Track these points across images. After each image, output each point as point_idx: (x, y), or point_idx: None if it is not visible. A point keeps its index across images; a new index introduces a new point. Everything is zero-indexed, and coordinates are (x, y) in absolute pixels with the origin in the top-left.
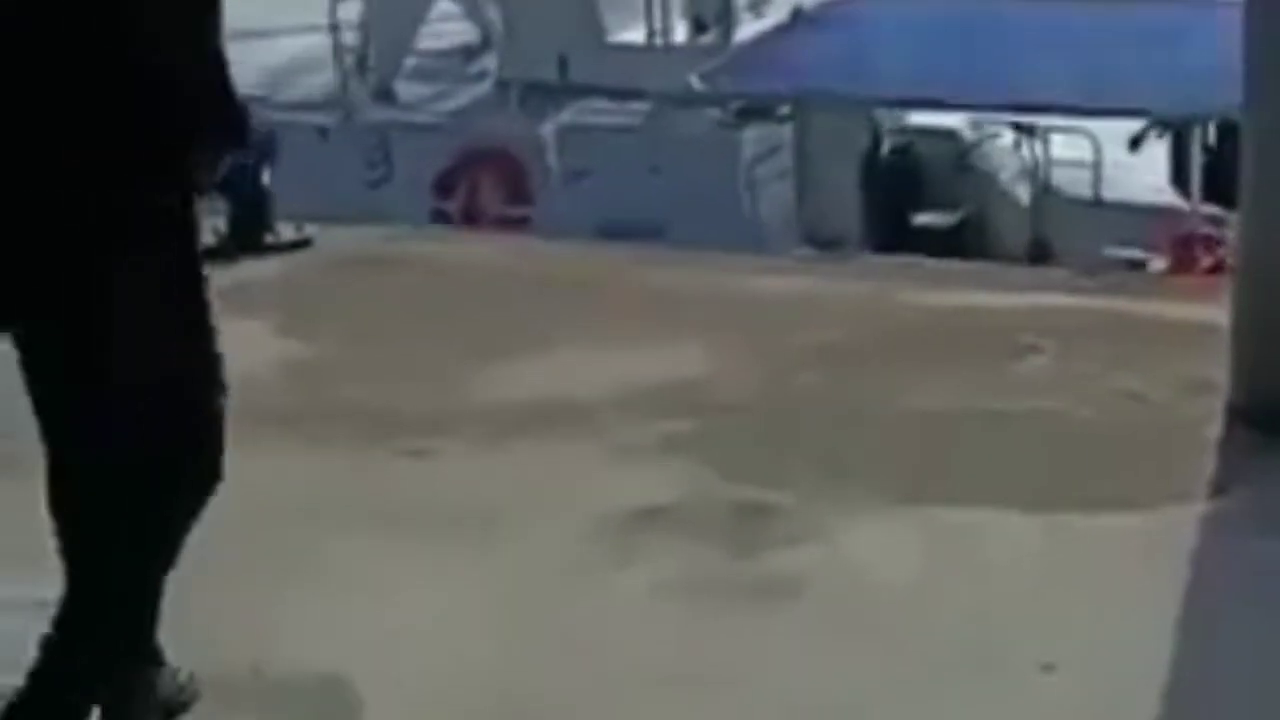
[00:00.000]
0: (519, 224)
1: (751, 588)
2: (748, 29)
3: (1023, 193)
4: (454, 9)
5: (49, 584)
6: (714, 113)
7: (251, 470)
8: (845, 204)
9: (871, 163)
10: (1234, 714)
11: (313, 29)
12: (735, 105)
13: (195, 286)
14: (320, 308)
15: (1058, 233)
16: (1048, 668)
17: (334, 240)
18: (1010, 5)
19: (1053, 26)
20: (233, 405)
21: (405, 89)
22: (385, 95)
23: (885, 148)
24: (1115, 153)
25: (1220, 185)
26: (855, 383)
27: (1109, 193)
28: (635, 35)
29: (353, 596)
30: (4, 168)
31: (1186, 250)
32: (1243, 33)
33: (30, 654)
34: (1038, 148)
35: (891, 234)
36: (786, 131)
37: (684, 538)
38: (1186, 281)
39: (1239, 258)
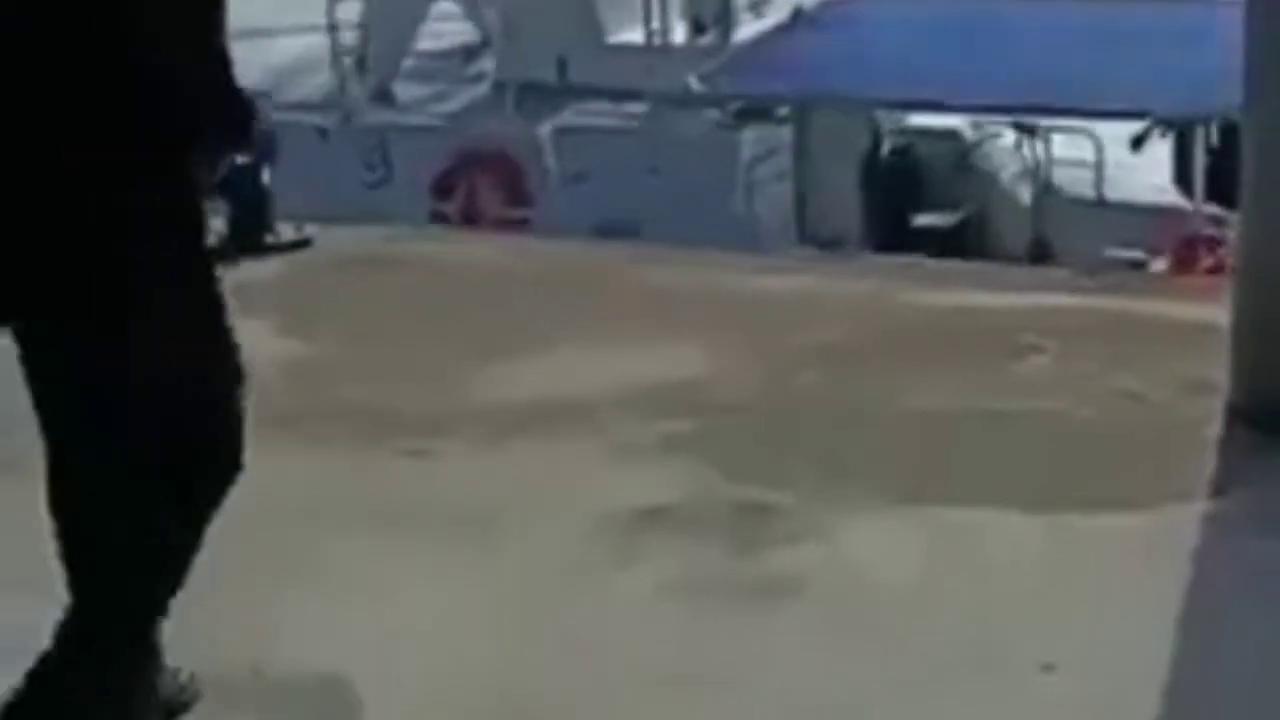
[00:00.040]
0: (517, 226)
1: (752, 587)
2: (747, 29)
3: (1024, 193)
4: (453, 9)
5: (49, 584)
6: (712, 114)
7: (251, 470)
8: (845, 205)
9: (872, 163)
10: (1234, 714)
11: (313, 29)
12: (734, 106)
13: (206, 281)
14: (320, 308)
15: (1059, 233)
16: (1048, 668)
17: (334, 240)
18: (1011, 5)
19: (1054, 27)
20: None
21: (403, 90)
22: (384, 96)
23: (885, 148)
24: (1117, 153)
25: (1222, 186)
26: (855, 382)
27: (1111, 193)
28: (634, 36)
29: (353, 596)
30: (4, 168)
31: (1189, 251)
32: (1243, 33)
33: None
34: (1039, 147)
35: (892, 235)
36: (785, 133)
37: (684, 538)
38: (1187, 281)
39: (1239, 258)
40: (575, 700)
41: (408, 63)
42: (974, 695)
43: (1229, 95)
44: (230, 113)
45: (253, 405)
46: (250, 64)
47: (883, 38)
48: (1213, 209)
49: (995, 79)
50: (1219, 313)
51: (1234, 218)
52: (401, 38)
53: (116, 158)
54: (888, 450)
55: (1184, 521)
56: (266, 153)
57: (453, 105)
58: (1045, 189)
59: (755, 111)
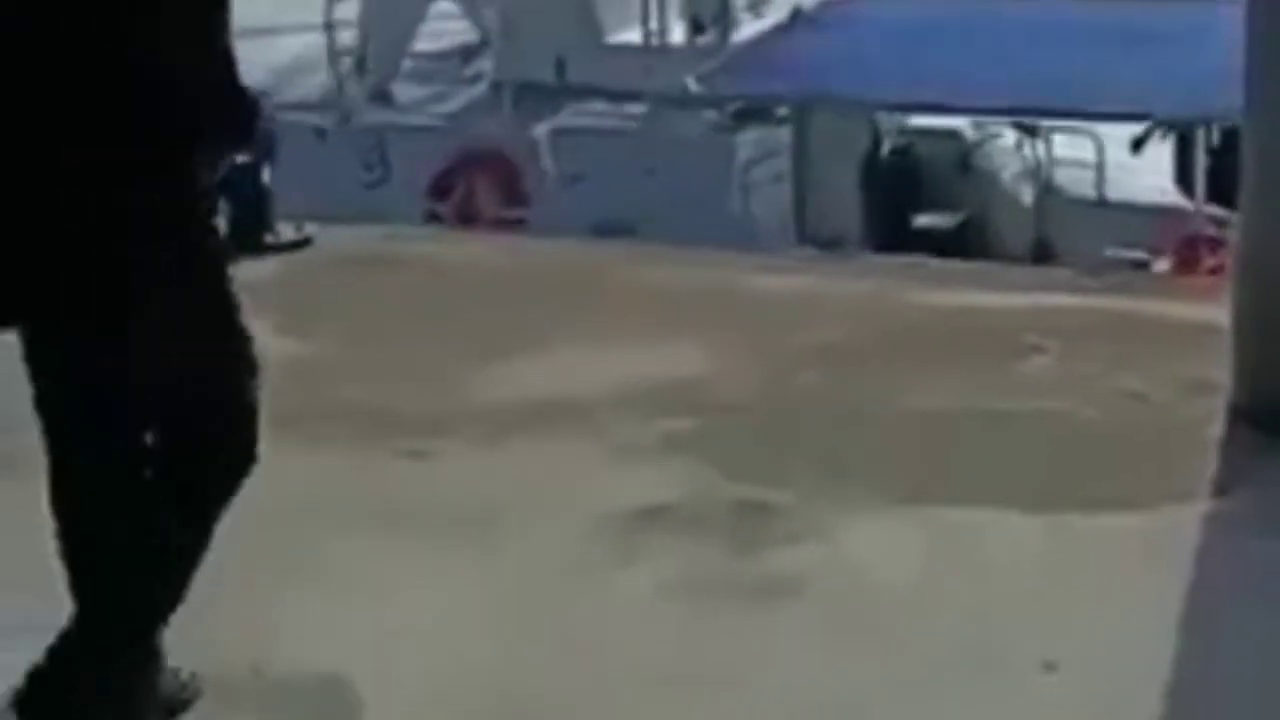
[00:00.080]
0: (515, 226)
1: (752, 587)
2: (746, 29)
3: (1025, 193)
4: (451, 9)
5: (48, 584)
6: (710, 115)
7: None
8: (845, 206)
9: (872, 164)
10: (1235, 714)
11: (311, 28)
12: (732, 107)
13: (210, 279)
14: (320, 308)
15: (1060, 233)
16: (1048, 667)
17: (334, 240)
18: (1011, 5)
19: (1054, 27)
20: None
21: (402, 90)
22: (382, 97)
23: (886, 148)
24: (1118, 153)
25: (1224, 187)
26: (855, 382)
27: (1112, 193)
28: (632, 36)
29: (353, 596)
30: (4, 168)
31: (1191, 251)
32: (1244, 34)
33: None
34: (1040, 148)
35: (892, 236)
36: (783, 134)
37: (684, 537)
38: (1189, 282)
39: (1240, 258)
40: (575, 700)
41: (406, 63)
42: (974, 695)
43: (1230, 96)
44: (232, 113)
45: None
46: (251, 63)
47: (882, 38)
48: (1214, 209)
49: (996, 80)
50: (1221, 313)
51: (1234, 218)
52: (400, 38)
53: (117, 158)
54: (888, 450)
55: (1185, 521)
56: (267, 152)
57: (451, 105)
58: (1046, 189)
59: (754, 112)
